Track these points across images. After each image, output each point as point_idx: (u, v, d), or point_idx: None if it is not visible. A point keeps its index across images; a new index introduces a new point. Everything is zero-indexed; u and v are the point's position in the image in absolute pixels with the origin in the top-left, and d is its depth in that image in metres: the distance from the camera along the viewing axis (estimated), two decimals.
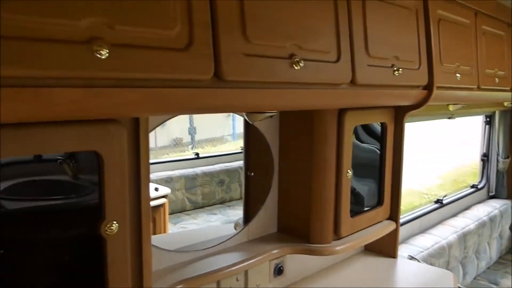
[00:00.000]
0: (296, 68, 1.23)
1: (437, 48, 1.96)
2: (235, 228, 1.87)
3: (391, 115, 2.01)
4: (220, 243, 1.67)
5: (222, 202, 2.11)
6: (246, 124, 1.82)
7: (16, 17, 0.77)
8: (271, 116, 1.44)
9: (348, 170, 1.76)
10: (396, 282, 2.04)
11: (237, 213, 2.02)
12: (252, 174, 1.81)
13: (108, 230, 1.04)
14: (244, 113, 1.46)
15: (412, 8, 1.80)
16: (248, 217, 1.87)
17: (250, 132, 1.83)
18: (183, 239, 1.74)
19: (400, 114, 2.03)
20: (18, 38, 0.77)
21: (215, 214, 2.05)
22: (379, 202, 2.04)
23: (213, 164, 2.29)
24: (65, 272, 1.07)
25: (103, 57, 0.86)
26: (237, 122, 2.15)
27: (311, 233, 1.75)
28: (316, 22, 1.33)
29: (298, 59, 1.23)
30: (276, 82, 1.22)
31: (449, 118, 3.12)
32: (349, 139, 1.75)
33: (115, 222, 1.05)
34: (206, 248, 1.61)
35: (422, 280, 2.06)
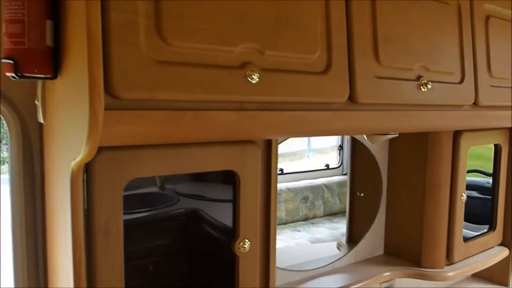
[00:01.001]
0: (423, 90, 1.22)
1: None
2: (338, 248, 1.86)
3: (506, 136, 1.92)
4: (329, 264, 1.66)
5: (306, 219, 2.11)
6: (353, 143, 1.82)
7: (183, 44, 0.82)
8: (392, 138, 1.42)
9: (463, 193, 1.70)
10: None
11: (321, 230, 2.01)
12: (362, 194, 1.79)
13: (241, 248, 1.07)
14: (365, 135, 1.45)
15: None
16: (352, 237, 1.86)
17: (357, 151, 1.82)
18: (284, 256, 1.76)
19: None
20: (184, 64, 0.83)
21: (299, 231, 2.05)
22: (491, 227, 1.95)
23: (297, 180, 2.29)
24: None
25: (254, 81, 0.89)
26: (312, 138, 2.13)
27: (423, 256, 1.70)
28: (441, 43, 1.31)
29: (425, 81, 1.22)
30: (404, 105, 1.20)
31: None
32: (464, 161, 1.69)
33: (247, 240, 1.08)
34: (316, 268, 1.61)
35: None
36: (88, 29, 0.72)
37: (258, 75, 0.89)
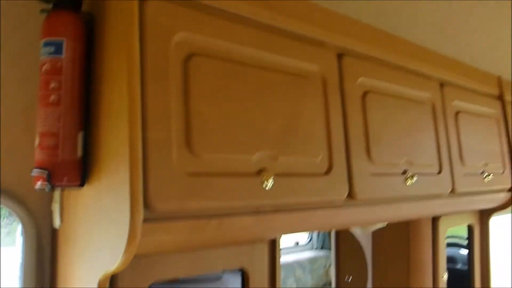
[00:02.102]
0: (409, 183, 1.33)
1: None
2: None
3: (477, 217, 2.05)
4: None
5: None
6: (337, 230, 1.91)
7: (208, 156, 0.90)
8: (382, 227, 1.52)
9: (444, 274, 1.79)
10: None
11: None
12: (350, 280, 1.86)
13: None
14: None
15: (493, 117, 1.91)
16: None
17: (340, 237, 1.90)
18: None
19: (485, 216, 2.08)
20: (209, 174, 0.90)
21: None
22: None
23: None
24: None
25: (268, 186, 0.97)
26: None
27: None
28: (421, 138, 1.45)
29: (411, 175, 1.33)
30: (394, 198, 1.31)
31: None
32: (443, 243, 1.80)
33: None
34: None
35: None
36: (130, 148, 0.79)
37: (272, 180, 0.97)
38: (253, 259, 1.10)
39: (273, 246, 1.17)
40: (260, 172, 0.98)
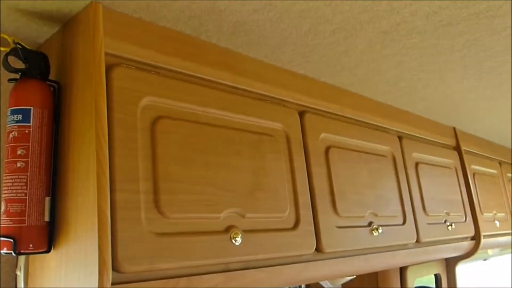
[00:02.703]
0: (375, 234, 1.37)
1: (476, 200, 2.11)
2: None
3: (443, 266, 2.09)
4: None
5: None
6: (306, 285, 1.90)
7: (177, 215, 0.92)
8: (351, 279, 1.53)
9: None
10: None
11: None
12: None
13: None
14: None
15: (452, 167, 2.00)
16: None
17: None
18: None
19: (451, 264, 2.12)
20: (178, 234, 0.91)
21: None
22: None
23: None
24: None
25: (237, 243, 0.99)
26: None
27: None
28: (384, 190, 1.50)
29: (376, 226, 1.37)
30: (361, 249, 1.33)
31: (484, 260, 3.18)
32: None
33: None
34: None
35: None
36: (98, 210, 0.80)
37: (240, 236, 0.99)
38: None
39: None
40: (228, 229, 0.99)
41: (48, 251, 0.91)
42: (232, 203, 1.02)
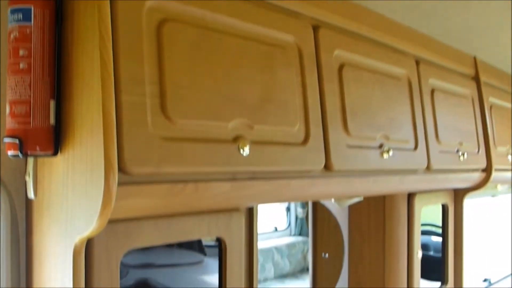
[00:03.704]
0: (385, 156, 1.35)
1: (491, 132, 2.08)
2: None
3: (451, 197, 2.09)
4: None
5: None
6: (314, 207, 1.92)
7: (184, 121, 0.90)
8: (358, 201, 1.54)
9: (418, 251, 1.82)
10: None
11: None
12: (327, 256, 1.88)
13: None
14: (332, 199, 1.56)
15: (469, 97, 1.94)
16: None
17: (319, 214, 1.92)
18: None
19: (459, 196, 2.12)
20: (185, 139, 0.90)
21: None
22: (444, 281, 2.07)
23: None
24: None
25: (244, 153, 0.97)
26: None
27: None
28: (397, 114, 1.47)
29: (387, 149, 1.35)
30: (370, 171, 1.32)
31: (492, 196, 3.18)
32: (418, 221, 1.82)
33: None
34: None
35: None
36: (103, 110, 0.78)
37: (248, 147, 0.98)
38: (230, 228, 1.10)
39: (251, 216, 1.18)
40: (236, 139, 0.98)
41: (54, 154, 0.90)
42: (240, 113, 0.99)
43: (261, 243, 2.51)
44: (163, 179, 0.87)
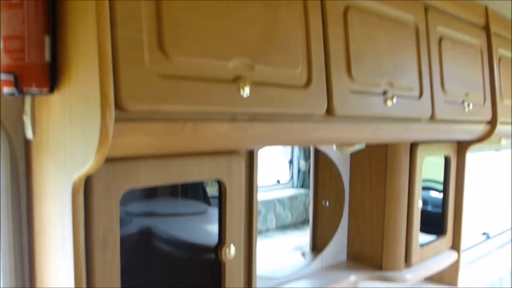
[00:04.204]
0: (389, 103, 1.32)
1: (498, 84, 2.04)
2: (303, 256, 1.94)
3: (454, 149, 2.08)
4: (298, 271, 1.73)
5: (259, 232, 2.16)
6: (316, 155, 1.91)
7: (182, 59, 0.88)
8: (360, 149, 1.52)
9: (419, 200, 1.83)
10: None
11: (275, 242, 2.08)
12: (328, 204, 1.89)
13: (227, 255, 1.12)
14: (334, 145, 1.54)
15: (478, 47, 1.89)
16: (316, 245, 1.94)
17: (319, 160, 1.91)
18: None
19: (462, 148, 2.10)
20: (184, 77, 0.88)
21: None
22: (442, 232, 2.09)
23: None
24: None
25: (245, 94, 0.96)
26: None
27: (384, 261, 1.81)
28: (403, 60, 1.43)
29: (391, 96, 1.32)
30: (373, 117, 1.30)
31: (496, 150, 3.17)
32: (420, 171, 1.82)
33: (232, 246, 1.13)
34: (288, 275, 1.68)
35: None
36: (99, 46, 0.76)
37: (249, 87, 0.96)
38: (230, 171, 1.10)
39: (251, 159, 1.17)
40: (236, 79, 0.96)
41: (51, 91, 0.89)
42: (241, 52, 0.97)
43: (264, 195, 2.53)
44: (161, 117, 0.85)
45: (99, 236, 0.91)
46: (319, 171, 1.93)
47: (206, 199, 1.15)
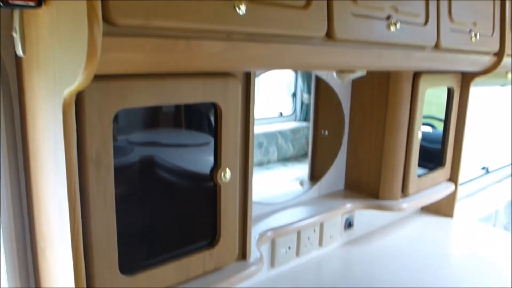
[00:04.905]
0: (392, 29, 1.28)
1: (509, 16, 1.96)
2: (301, 185, 1.96)
3: (458, 80, 2.04)
4: (295, 198, 1.76)
5: (260, 164, 2.19)
6: (317, 83, 1.88)
7: None
8: (361, 76, 1.49)
9: (419, 131, 1.82)
10: (455, 239, 2.12)
11: (276, 174, 2.10)
12: (327, 133, 1.88)
13: (223, 178, 1.13)
14: (334, 72, 1.51)
15: None
16: (314, 174, 1.95)
17: (321, 91, 1.89)
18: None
19: (467, 80, 2.06)
20: None
21: (254, 175, 2.13)
22: (441, 164, 2.10)
23: None
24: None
25: (241, 12, 0.92)
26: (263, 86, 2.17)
27: (381, 190, 1.83)
28: None
29: (394, 21, 1.27)
30: (375, 43, 1.26)
31: (502, 85, 3.12)
32: (422, 101, 1.79)
33: (228, 169, 1.13)
34: (284, 202, 1.70)
35: (480, 239, 2.12)
36: None
37: (245, 6, 0.92)
38: (226, 93, 1.08)
39: (248, 83, 1.15)
40: None
41: (38, 5, 0.85)
42: None
43: (266, 127, 2.53)
44: (152, 33, 0.82)
45: (93, 155, 0.91)
46: (319, 101, 1.90)
47: (210, 130, 1.14)
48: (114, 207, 0.96)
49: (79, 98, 0.87)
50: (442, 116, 2.08)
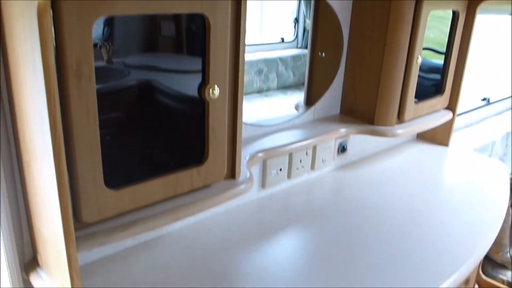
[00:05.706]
0: None
1: None
2: (296, 109, 1.93)
3: (464, 4, 1.95)
4: (289, 121, 1.74)
5: (260, 91, 2.16)
6: (317, 2, 1.81)
7: None
8: None
9: (419, 56, 1.76)
10: (449, 167, 2.12)
11: (275, 102, 2.08)
12: (324, 55, 1.83)
13: (211, 94, 1.10)
14: None
15: None
16: (310, 98, 1.92)
17: (319, 10, 1.81)
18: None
19: (473, 4, 1.98)
20: None
21: (252, 102, 2.10)
22: (440, 91, 2.06)
23: (252, 53, 2.29)
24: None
25: None
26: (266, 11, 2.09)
27: (376, 115, 1.80)
28: None
29: None
30: None
31: (510, 14, 3.01)
32: (424, 25, 1.73)
33: (217, 86, 1.10)
34: (277, 124, 1.68)
35: (475, 168, 2.13)
36: None
37: None
38: (214, 4, 1.03)
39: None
40: None
41: None
42: None
43: (266, 53, 2.46)
44: None
45: (73, 65, 0.87)
46: (319, 24, 1.83)
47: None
48: (97, 120, 0.93)
49: (56, 3, 0.82)
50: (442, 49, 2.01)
